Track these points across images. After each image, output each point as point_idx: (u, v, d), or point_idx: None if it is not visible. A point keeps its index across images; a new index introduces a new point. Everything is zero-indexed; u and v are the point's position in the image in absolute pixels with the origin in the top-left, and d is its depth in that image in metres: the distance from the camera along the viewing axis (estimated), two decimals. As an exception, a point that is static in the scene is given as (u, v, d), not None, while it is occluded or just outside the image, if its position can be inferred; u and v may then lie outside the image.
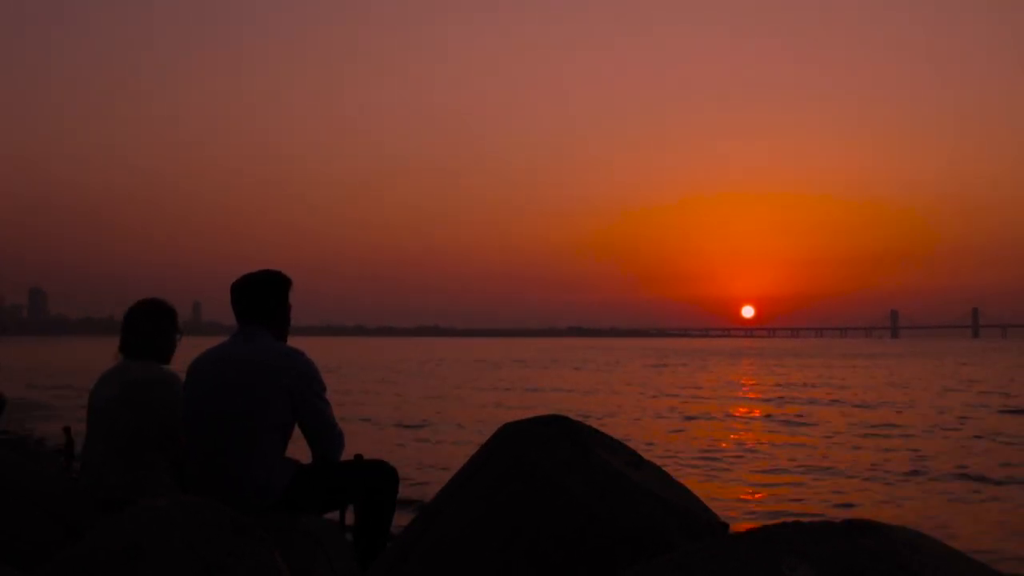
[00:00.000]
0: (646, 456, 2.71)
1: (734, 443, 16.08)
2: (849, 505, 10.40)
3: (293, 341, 3.50)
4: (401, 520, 3.47)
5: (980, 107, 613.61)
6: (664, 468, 2.73)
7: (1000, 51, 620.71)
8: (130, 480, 3.28)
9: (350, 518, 3.46)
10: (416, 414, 19.97)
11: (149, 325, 3.52)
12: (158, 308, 3.58)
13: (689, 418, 20.27)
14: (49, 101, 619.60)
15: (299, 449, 3.38)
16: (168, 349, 3.57)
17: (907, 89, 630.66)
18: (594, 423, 2.82)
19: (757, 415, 21.63)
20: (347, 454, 3.48)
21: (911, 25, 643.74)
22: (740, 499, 11.24)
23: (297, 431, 3.34)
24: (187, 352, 3.65)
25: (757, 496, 11.44)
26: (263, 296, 3.39)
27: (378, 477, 3.35)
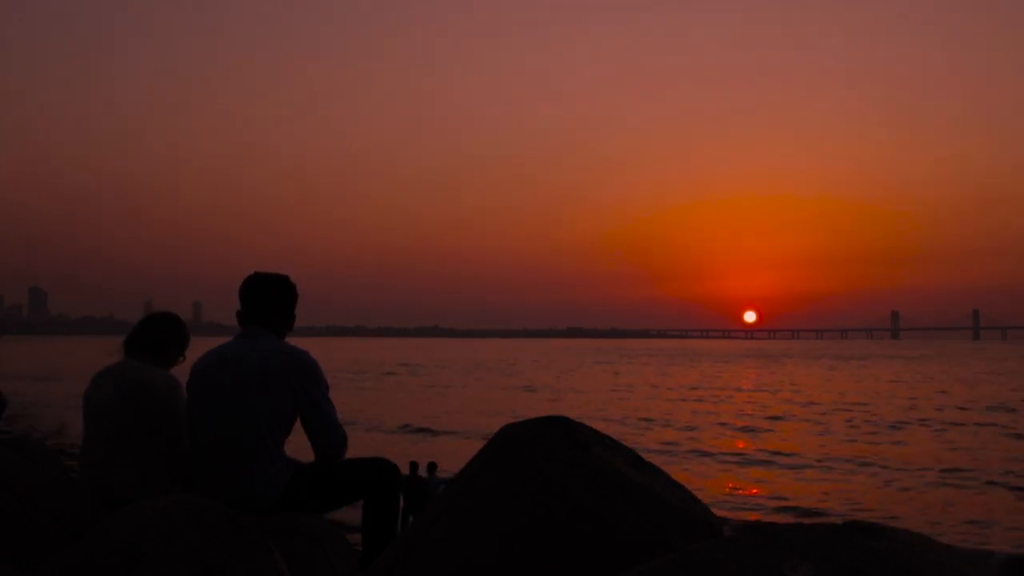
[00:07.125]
0: (645, 456, 2.71)
1: (734, 443, 16.04)
2: (851, 506, 10.39)
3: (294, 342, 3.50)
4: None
5: (980, 108, 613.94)
6: (664, 468, 2.74)
7: (1003, 51, 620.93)
8: (134, 478, 3.27)
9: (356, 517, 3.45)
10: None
11: (166, 337, 3.53)
12: (177, 324, 3.60)
13: (691, 426, 20.21)
14: (51, 101, 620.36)
15: (299, 450, 3.38)
16: (173, 362, 3.57)
17: (907, 90, 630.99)
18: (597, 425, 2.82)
19: (757, 417, 21.57)
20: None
21: (912, 26, 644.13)
22: (740, 499, 11.23)
23: (297, 431, 3.34)
24: (188, 352, 3.64)
25: (757, 497, 11.43)
26: (274, 299, 3.39)
27: (378, 475, 3.34)
